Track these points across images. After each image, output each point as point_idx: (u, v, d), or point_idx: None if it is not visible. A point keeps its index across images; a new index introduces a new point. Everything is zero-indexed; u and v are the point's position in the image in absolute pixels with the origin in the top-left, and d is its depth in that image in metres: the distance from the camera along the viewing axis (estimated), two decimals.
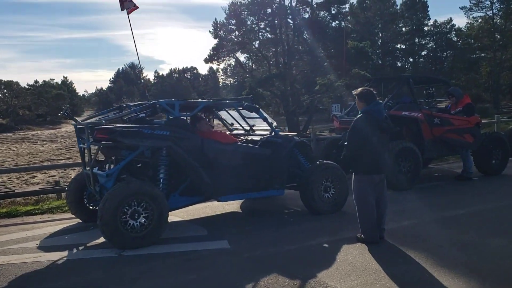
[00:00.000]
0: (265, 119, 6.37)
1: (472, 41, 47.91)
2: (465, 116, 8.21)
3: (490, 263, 4.15)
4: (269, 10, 27.47)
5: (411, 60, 54.38)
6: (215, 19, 29.66)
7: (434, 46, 52.71)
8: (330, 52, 27.49)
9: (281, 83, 25.57)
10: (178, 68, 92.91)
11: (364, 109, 4.90)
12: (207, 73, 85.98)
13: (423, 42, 52.92)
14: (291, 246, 4.92)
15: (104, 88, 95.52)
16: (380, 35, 52.55)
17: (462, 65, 48.62)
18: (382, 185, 4.97)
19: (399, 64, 56.53)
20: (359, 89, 5.10)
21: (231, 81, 70.86)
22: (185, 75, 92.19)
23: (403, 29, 52.35)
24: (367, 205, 4.87)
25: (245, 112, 6.84)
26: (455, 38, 51.29)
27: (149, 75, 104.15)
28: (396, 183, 7.59)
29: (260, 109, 6.42)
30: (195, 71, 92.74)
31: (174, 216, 6.33)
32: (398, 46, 52.92)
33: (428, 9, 54.00)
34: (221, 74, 71.74)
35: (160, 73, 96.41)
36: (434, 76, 10.94)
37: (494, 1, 44.17)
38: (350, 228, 5.31)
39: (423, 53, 53.97)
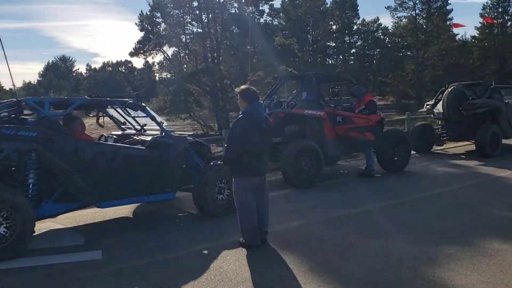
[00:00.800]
0: (153, 118, 6.02)
1: (397, 40, 50.14)
2: (367, 113, 8.32)
3: (363, 267, 4.09)
4: (196, 3, 26.93)
5: (341, 58, 56.05)
6: (141, 11, 28.72)
7: (363, 45, 54.64)
8: (257, 48, 27.42)
9: (208, 79, 25.18)
10: (112, 61, 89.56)
11: (244, 110, 4.70)
12: (143, 67, 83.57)
13: (353, 41, 54.73)
14: (169, 254, 4.62)
15: (33, 82, 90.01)
16: (313, 33, 53.59)
17: (388, 63, 50.75)
18: (263, 188, 4.81)
19: (331, 62, 58.16)
20: (242, 87, 4.89)
21: (168, 76, 69.46)
22: (119, 68, 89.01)
23: (334, 27, 53.76)
24: (247, 208, 4.68)
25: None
26: (382, 37, 53.34)
27: (81, 68, 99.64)
28: (297, 181, 7.55)
29: (147, 108, 6.06)
30: (129, 65, 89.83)
31: (56, 223, 5.84)
32: (330, 44, 54.31)
33: (358, 8, 55.94)
34: (157, 68, 69.99)
35: (93, 66, 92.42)
36: (339, 74, 11.11)
37: (417, 2, 46.53)
38: (238, 232, 5.11)
39: (353, 51, 55.79)
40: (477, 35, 74.60)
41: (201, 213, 5.98)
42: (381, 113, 9.20)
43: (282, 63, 24.42)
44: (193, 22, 27.92)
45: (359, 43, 53.93)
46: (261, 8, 29.78)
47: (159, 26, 29.01)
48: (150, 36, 28.95)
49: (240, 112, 4.75)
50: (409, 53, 51.05)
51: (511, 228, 4.97)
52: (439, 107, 10.63)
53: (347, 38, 53.63)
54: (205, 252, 4.68)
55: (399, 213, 5.95)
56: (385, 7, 65.25)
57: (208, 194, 5.86)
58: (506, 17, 71.55)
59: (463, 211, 5.83)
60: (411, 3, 46.96)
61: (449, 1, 48.26)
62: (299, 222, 5.66)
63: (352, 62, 56.64)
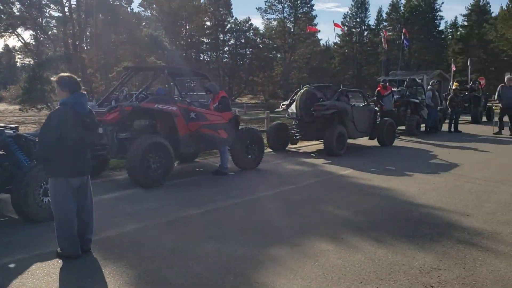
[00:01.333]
0: None
1: (268, 41, 52.20)
2: (220, 109, 8.18)
3: (189, 275, 3.82)
4: None
5: (215, 54, 56.40)
6: None
7: (236, 43, 55.71)
8: (124, 38, 26.07)
9: (68, 67, 23.17)
10: None
11: (63, 100, 4.11)
12: (1, 50, 74.19)
13: (226, 38, 55.44)
14: None
15: None
16: (186, 27, 52.98)
17: (259, 63, 52.51)
18: (85, 190, 4.27)
19: (206, 58, 58.22)
20: (61, 74, 4.29)
21: (31, 61, 62.74)
22: None
23: (208, 23, 53.90)
24: (64, 213, 4.11)
25: None
26: (253, 37, 54.96)
27: None
28: (144, 180, 7.09)
29: None
30: None
31: None
32: (203, 40, 54.27)
33: (232, 6, 56.78)
34: (18, 53, 62.66)
35: None
36: (195, 70, 10.90)
37: (285, 6, 48.93)
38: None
39: (226, 49, 56.56)
40: (339, 42, 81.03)
41: (21, 217, 5.20)
42: (236, 110, 9.18)
43: (151, 55, 23.57)
44: (52, 5, 25.44)
45: (232, 41, 54.95)
46: None
47: (12, 5, 25.88)
48: (1, 15, 25.69)
49: (59, 103, 4.15)
50: (279, 55, 53.54)
51: (340, 226, 5.14)
52: (293, 108, 11.02)
53: (221, 36, 54.19)
54: (12, 265, 4.00)
55: (242, 212, 5.86)
56: (256, 8, 67.80)
57: (30, 196, 5.10)
58: (363, 27, 79.21)
59: (303, 209, 5.95)
60: (280, 6, 49.15)
61: (314, 8, 51.28)
62: (135, 225, 5.22)
63: (226, 60, 57.45)
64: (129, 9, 31.81)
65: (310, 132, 11.05)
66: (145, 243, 4.61)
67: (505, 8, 64.85)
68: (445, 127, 16.40)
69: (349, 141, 11.40)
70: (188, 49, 50.38)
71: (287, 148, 11.74)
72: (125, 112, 7.29)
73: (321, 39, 71.08)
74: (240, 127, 9.01)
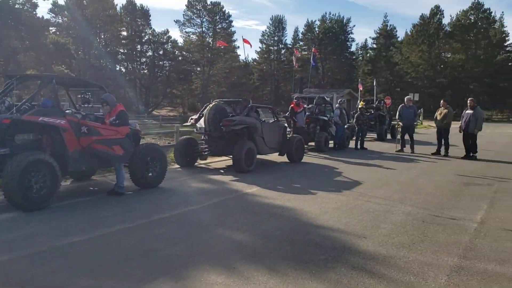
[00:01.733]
0: None
1: (187, 54, 51.67)
2: (117, 124, 7.56)
3: None
4: None
5: (131, 65, 54.59)
6: None
7: (154, 55, 54.39)
8: (26, 44, 24.16)
9: None
10: None
11: None
12: None
13: (143, 49, 53.99)
14: None
15: None
16: (102, 36, 50.79)
17: (178, 75, 51.72)
18: None
19: (122, 69, 56.08)
20: None
21: None
22: None
23: (124, 33, 52.13)
24: None
25: None
26: (171, 49, 54.10)
27: None
28: (24, 202, 6.28)
29: None
30: None
31: None
32: (119, 50, 52.35)
33: (150, 17, 55.50)
34: None
35: None
36: (89, 80, 10.21)
37: (204, 20, 48.81)
38: None
39: (143, 60, 55.03)
40: (257, 59, 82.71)
41: None
42: (137, 125, 8.61)
43: (59, 63, 21.95)
44: None
45: (150, 53, 53.53)
46: (35, 1, 26.30)
47: None
48: None
49: None
50: (199, 68, 53.08)
51: (234, 253, 4.81)
52: (202, 122, 10.65)
53: (138, 47, 52.60)
54: None
55: (132, 238, 5.30)
56: (174, 21, 66.80)
57: None
58: (280, 45, 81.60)
59: (199, 233, 5.54)
60: (198, 20, 48.94)
61: (233, 24, 51.75)
62: (6, 256, 4.49)
63: (144, 71, 55.81)
64: (35, 14, 29.46)
65: (219, 148, 10.75)
66: (14, 278, 3.93)
67: (409, 33, 70.27)
68: (352, 144, 16.99)
69: (259, 156, 11.25)
70: (103, 59, 48.18)
71: (196, 164, 11.32)
72: (3, 124, 6.45)
73: (240, 55, 71.92)
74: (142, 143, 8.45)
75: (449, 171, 11.28)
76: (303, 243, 5.12)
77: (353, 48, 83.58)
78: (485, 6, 66.24)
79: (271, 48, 79.89)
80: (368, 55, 78.70)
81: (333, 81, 76.20)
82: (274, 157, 12.68)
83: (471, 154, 14.04)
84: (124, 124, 7.61)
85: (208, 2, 49.91)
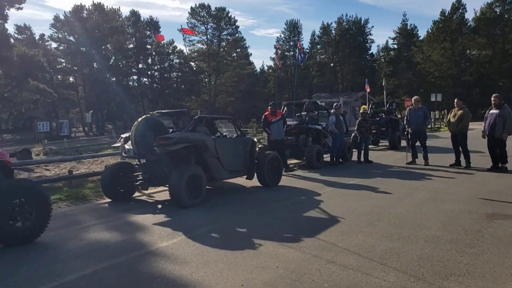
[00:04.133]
0: None
1: (196, 63, 49.64)
2: None
3: None
4: None
5: (137, 79, 52.93)
6: None
7: (161, 67, 52.57)
8: None
9: None
10: None
11: None
12: None
13: (150, 61, 52.18)
14: None
15: None
16: (103, 47, 49.39)
17: (186, 86, 49.71)
18: None
19: (130, 83, 54.57)
20: None
21: None
22: None
23: (130, 46, 50.52)
24: None
25: None
26: (177, 60, 52.16)
27: None
28: None
29: None
30: None
31: None
32: (123, 62, 50.76)
33: (160, 29, 53.92)
34: None
35: None
36: None
37: (208, 27, 46.65)
38: None
39: (149, 72, 53.20)
40: (273, 65, 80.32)
41: None
42: (7, 155, 6.16)
43: (26, 77, 20.00)
44: None
45: (157, 66, 51.49)
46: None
47: None
48: None
49: None
50: (207, 79, 50.86)
51: None
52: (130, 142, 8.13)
53: (141, 57, 50.77)
54: None
55: None
56: (177, 30, 64.75)
57: None
58: (297, 50, 78.94)
59: None
60: (203, 27, 46.84)
61: (239, 30, 49.44)
62: None
63: (150, 84, 54.01)
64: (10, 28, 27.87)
65: (155, 175, 8.20)
66: None
67: (430, 31, 66.48)
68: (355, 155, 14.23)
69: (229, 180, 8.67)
70: (106, 72, 46.61)
71: (133, 195, 8.80)
72: None
73: (253, 62, 69.62)
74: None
75: (468, 192, 8.42)
76: None
77: (373, 50, 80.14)
78: None
79: (286, 53, 77.39)
80: (389, 56, 74.97)
81: (353, 85, 72.89)
82: (244, 180, 10.01)
83: (500, 165, 11.08)
84: None
85: (213, 8, 47.92)
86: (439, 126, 36.56)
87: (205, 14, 47.62)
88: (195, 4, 47.64)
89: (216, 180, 9.09)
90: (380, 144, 19.75)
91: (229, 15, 48.19)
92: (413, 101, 12.60)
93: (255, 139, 10.18)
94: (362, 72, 74.10)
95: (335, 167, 12.94)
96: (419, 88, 63.51)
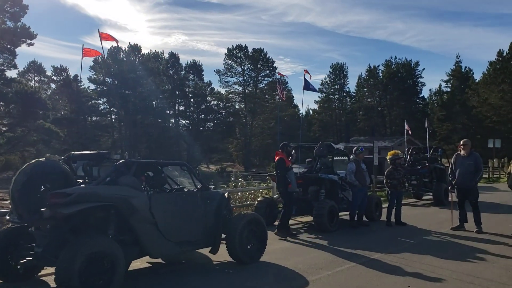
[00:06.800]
0: None
1: (229, 105, 48.05)
2: None
3: None
4: None
5: (174, 121, 51.80)
6: None
7: (197, 109, 51.34)
8: None
9: None
10: None
11: None
12: None
13: (188, 104, 51.12)
14: None
15: None
16: (137, 90, 49.05)
17: (222, 128, 47.95)
18: None
19: (166, 124, 53.60)
20: None
21: None
22: None
23: (166, 86, 49.79)
24: None
25: None
26: (215, 102, 50.86)
27: None
28: None
29: None
30: None
31: None
32: (158, 104, 50.11)
33: (203, 73, 53.23)
34: None
35: None
36: None
37: (245, 68, 45.10)
38: None
39: (187, 114, 52.04)
40: (317, 109, 77.85)
41: None
42: None
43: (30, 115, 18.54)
44: None
45: (193, 107, 50.23)
46: None
47: None
48: None
49: None
50: (244, 120, 48.99)
51: None
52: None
53: (178, 100, 49.78)
54: None
55: None
56: (214, 71, 63.78)
57: None
58: (343, 93, 76.23)
59: None
60: (240, 68, 45.33)
61: (277, 70, 47.45)
62: None
63: (187, 126, 52.64)
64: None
65: (49, 248, 5.46)
66: None
67: (486, 72, 61.77)
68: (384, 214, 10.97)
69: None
70: (139, 114, 45.75)
71: (39, 273, 6.13)
72: None
73: (297, 105, 67.45)
74: None
75: None
76: None
77: (424, 94, 75.71)
78: None
79: (331, 96, 74.87)
80: (442, 99, 70.20)
81: (402, 129, 68.56)
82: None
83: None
84: None
85: (250, 49, 46.42)
86: (498, 175, 31.56)
87: (242, 55, 46.23)
88: (232, 46, 46.85)
89: (157, 257, 6.27)
90: (424, 197, 16.25)
91: (267, 56, 46.66)
92: (461, 146, 9.34)
93: (226, 194, 7.28)
94: (412, 116, 69.59)
95: (355, 230, 9.78)
96: (476, 133, 58.23)
